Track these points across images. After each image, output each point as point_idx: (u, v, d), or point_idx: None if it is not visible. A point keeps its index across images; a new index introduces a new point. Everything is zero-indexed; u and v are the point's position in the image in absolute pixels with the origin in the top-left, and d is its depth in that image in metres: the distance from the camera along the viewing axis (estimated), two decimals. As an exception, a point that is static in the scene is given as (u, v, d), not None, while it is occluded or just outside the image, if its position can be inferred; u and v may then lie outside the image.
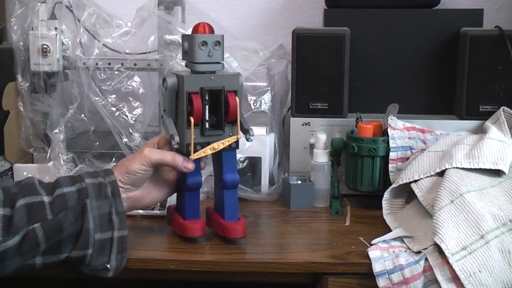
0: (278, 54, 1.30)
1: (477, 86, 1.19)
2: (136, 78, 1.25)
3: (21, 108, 1.24)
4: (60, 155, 1.21)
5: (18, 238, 0.82)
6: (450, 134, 1.15)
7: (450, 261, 0.85)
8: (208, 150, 0.95)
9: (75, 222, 0.86)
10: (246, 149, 1.16)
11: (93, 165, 1.23)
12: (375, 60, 1.26)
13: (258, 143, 1.18)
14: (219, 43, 0.94)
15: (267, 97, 1.23)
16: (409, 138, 1.13)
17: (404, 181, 1.04)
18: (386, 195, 1.07)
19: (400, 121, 1.15)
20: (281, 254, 0.95)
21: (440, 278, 0.85)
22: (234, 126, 0.97)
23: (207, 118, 0.96)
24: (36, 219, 0.83)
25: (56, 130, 1.21)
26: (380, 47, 1.25)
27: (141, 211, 1.08)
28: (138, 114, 1.25)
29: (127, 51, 1.25)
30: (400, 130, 1.13)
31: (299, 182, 1.17)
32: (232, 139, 0.96)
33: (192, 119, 0.93)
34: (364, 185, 1.13)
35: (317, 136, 1.16)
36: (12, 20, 1.22)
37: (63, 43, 1.23)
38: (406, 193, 1.08)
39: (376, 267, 0.88)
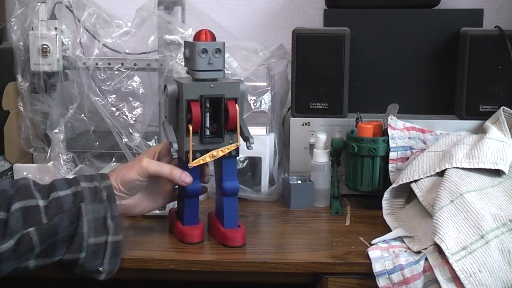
0: (278, 54, 1.30)
1: (477, 86, 1.19)
2: (136, 78, 1.25)
3: (21, 108, 1.24)
4: (60, 155, 1.21)
5: (13, 241, 0.82)
6: (450, 134, 1.15)
7: (450, 261, 0.85)
8: (207, 158, 0.95)
9: (69, 225, 0.86)
10: (246, 149, 1.16)
11: (93, 165, 1.23)
12: (375, 60, 1.26)
13: (258, 143, 1.17)
14: (219, 50, 0.94)
15: (267, 97, 1.23)
16: (409, 138, 1.13)
17: (404, 181, 1.04)
18: (386, 195, 1.07)
19: (400, 121, 1.15)
20: (281, 254, 0.95)
21: (440, 278, 0.85)
22: (234, 134, 0.96)
23: (208, 125, 0.96)
24: (31, 223, 0.83)
25: (56, 130, 1.21)
26: (380, 47, 1.25)
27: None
28: (138, 114, 1.25)
29: (127, 51, 1.25)
30: (400, 130, 1.13)
31: (299, 182, 1.17)
32: (231, 147, 0.96)
33: (190, 127, 0.93)
34: (364, 185, 1.13)
35: (317, 136, 1.16)
36: (12, 20, 1.23)
37: (63, 43, 1.23)
38: (406, 193, 1.08)
39: (376, 267, 0.88)
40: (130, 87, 1.25)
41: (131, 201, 0.94)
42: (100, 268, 0.88)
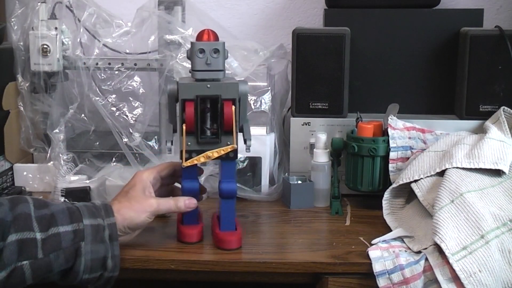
0: (278, 54, 1.30)
1: (477, 86, 1.19)
2: (136, 78, 1.25)
3: (21, 108, 1.24)
4: (60, 155, 1.21)
5: (4, 273, 0.80)
6: (450, 134, 1.15)
7: (450, 261, 0.85)
8: (201, 158, 0.94)
9: (65, 263, 0.84)
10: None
11: (93, 165, 1.23)
12: (375, 60, 1.26)
13: (258, 143, 1.17)
14: (217, 51, 0.93)
15: (267, 97, 1.23)
16: (409, 138, 1.13)
17: (404, 181, 1.04)
18: (386, 195, 1.07)
19: (400, 121, 1.15)
20: (281, 254, 0.95)
21: (440, 278, 0.85)
22: (232, 135, 0.95)
23: (208, 126, 0.96)
24: (26, 256, 0.81)
25: (56, 130, 1.21)
26: (380, 47, 1.25)
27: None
28: (138, 114, 1.25)
29: (127, 51, 1.25)
30: (400, 130, 1.13)
31: (299, 182, 1.17)
32: (227, 149, 0.95)
33: (184, 126, 0.93)
34: (364, 185, 1.13)
35: (317, 136, 1.16)
36: (12, 20, 1.23)
37: (63, 43, 1.23)
38: (406, 193, 1.08)
39: (376, 267, 0.88)
40: (130, 87, 1.25)
41: (130, 232, 0.93)
42: None
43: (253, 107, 1.22)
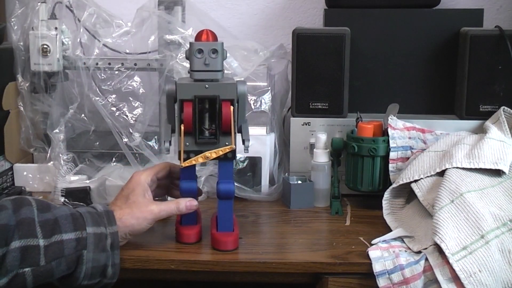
0: (278, 54, 1.30)
1: (477, 86, 1.19)
2: (136, 78, 1.25)
3: (21, 108, 1.24)
4: (60, 155, 1.21)
5: (6, 279, 0.80)
6: (450, 134, 1.15)
7: (450, 261, 0.85)
8: (199, 159, 0.94)
9: (66, 270, 0.84)
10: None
11: (93, 165, 1.23)
12: (375, 60, 1.26)
13: (258, 143, 1.17)
14: (216, 51, 0.93)
15: (267, 97, 1.23)
16: (409, 138, 1.13)
17: (404, 181, 1.04)
18: (386, 195, 1.07)
19: (400, 121, 1.15)
20: (281, 254, 0.95)
21: (440, 278, 0.85)
22: (230, 136, 0.95)
23: (207, 126, 0.96)
24: (28, 263, 0.81)
25: (56, 130, 1.21)
26: (380, 47, 1.25)
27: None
28: (138, 114, 1.25)
29: (127, 51, 1.25)
30: (400, 130, 1.13)
31: (299, 182, 1.17)
32: (225, 149, 0.94)
33: (182, 127, 0.93)
34: (364, 185, 1.13)
35: (317, 136, 1.16)
36: (12, 20, 1.23)
37: (63, 43, 1.23)
38: (406, 193, 1.08)
39: (376, 267, 0.88)
40: (130, 87, 1.25)
41: (131, 238, 0.94)
42: None
43: (253, 107, 1.22)
